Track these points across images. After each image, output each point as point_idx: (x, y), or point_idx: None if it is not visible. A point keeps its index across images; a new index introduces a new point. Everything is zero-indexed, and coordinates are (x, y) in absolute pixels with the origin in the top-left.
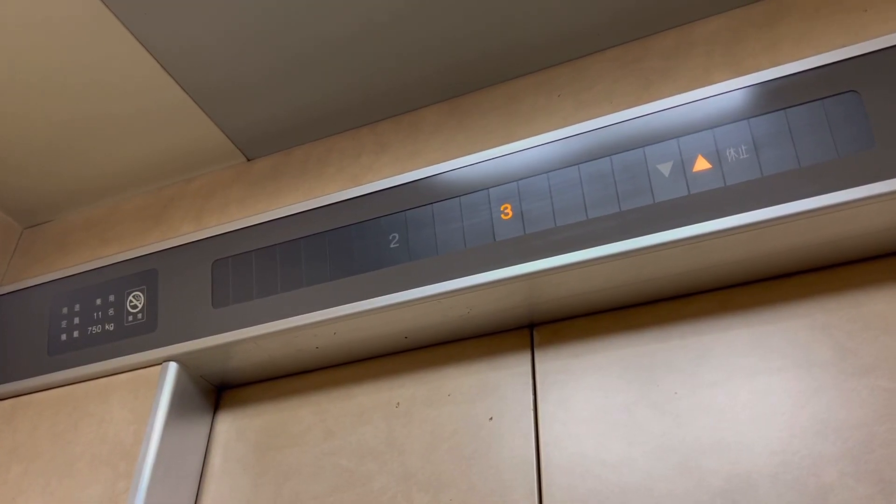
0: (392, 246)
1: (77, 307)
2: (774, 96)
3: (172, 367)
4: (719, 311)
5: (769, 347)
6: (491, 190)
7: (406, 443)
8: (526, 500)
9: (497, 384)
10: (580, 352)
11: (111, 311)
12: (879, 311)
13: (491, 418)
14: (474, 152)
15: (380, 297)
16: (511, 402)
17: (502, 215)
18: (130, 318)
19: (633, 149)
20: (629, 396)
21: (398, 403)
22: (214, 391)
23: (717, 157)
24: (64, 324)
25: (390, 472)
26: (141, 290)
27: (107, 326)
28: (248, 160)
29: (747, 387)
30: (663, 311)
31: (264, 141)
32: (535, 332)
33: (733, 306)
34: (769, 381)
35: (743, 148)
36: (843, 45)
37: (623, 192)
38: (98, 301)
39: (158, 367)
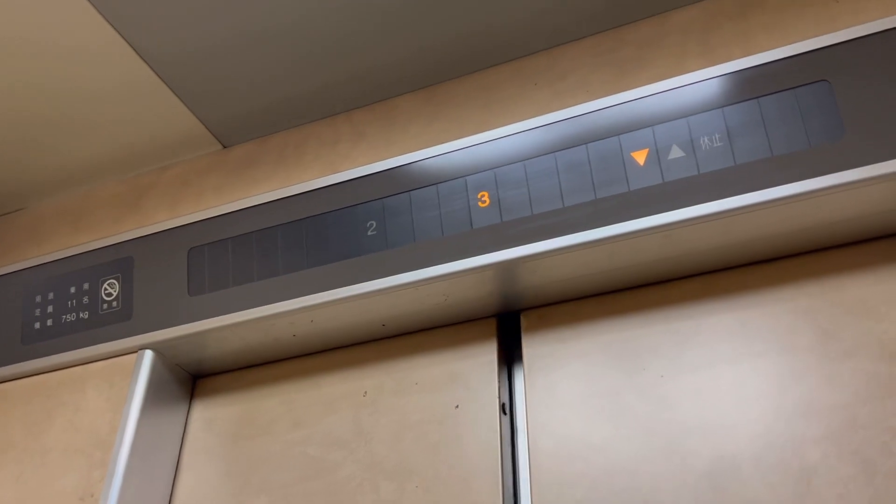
0: (369, 233)
1: (51, 295)
2: (747, 85)
3: (148, 356)
4: (703, 296)
5: (752, 331)
6: (468, 178)
7: (374, 431)
8: (490, 486)
9: (462, 373)
10: (566, 337)
11: (86, 300)
12: (861, 295)
13: (457, 406)
14: (451, 140)
15: (357, 285)
16: (476, 391)
17: (479, 203)
18: (105, 306)
19: (608, 137)
20: (615, 380)
21: (365, 393)
22: (191, 379)
23: (690, 146)
24: (38, 312)
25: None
26: (116, 278)
27: (81, 314)
28: (225, 147)
29: (731, 370)
30: (648, 295)
31: (240, 128)
32: (522, 317)
33: (717, 291)
34: (753, 364)
35: (716, 136)
36: (815, 35)
37: (599, 180)
38: (72, 289)
39: (134, 356)
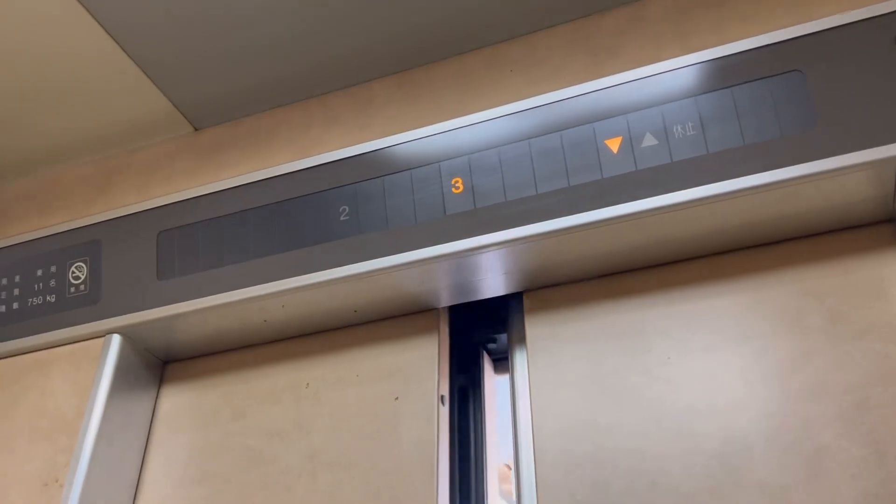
0: (342, 219)
1: (17, 278)
2: (721, 74)
3: (116, 340)
4: (710, 278)
5: (761, 313)
6: (442, 163)
7: (313, 422)
8: (426, 477)
9: (403, 365)
10: (569, 318)
11: (53, 283)
12: (869, 276)
13: (397, 398)
14: (425, 125)
15: (328, 270)
16: (416, 383)
17: (453, 189)
18: (73, 289)
19: (582, 124)
20: (620, 362)
21: (307, 384)
22: (160, 365)
23: (664, 134)
24: (3, 295)
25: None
26: (84, 261)
27: (48, 298)
28: (196, 130)
29: (740, 351)
30: (652, 277)
31: (212, 111)
32: (524, 298)
33: (724, 273)
34: (762, 345)
35: (690, 125)
36: (789, 25)
37: (572, 168)
38: (39, 272)
39: (101, 340)
